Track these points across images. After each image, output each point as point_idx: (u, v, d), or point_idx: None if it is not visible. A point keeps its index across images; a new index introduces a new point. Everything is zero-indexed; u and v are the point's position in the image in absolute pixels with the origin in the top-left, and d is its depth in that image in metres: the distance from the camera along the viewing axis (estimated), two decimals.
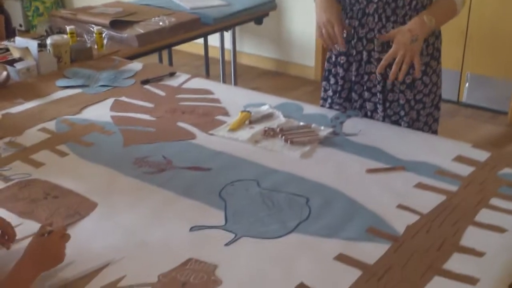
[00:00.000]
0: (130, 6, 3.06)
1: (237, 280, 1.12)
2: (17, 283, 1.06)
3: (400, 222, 1.28)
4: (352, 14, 1.77)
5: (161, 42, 2.76)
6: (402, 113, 1.80)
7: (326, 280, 1.12)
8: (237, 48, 4.08)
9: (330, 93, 1.91)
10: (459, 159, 1.55)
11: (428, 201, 1.36)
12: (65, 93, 2.05)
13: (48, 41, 2.30)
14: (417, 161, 1.53)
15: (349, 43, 1.79)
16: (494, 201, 1.36)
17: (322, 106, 1.95)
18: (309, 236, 1.25)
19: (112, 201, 1.40)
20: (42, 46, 2.27)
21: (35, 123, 1.81)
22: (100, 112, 1.88)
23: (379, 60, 1.72)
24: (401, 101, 1.79)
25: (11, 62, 2.20)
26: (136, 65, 2.31)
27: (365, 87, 1.83)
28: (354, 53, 1.80)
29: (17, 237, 1.22)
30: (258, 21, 3.53)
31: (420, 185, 1.43)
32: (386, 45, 1.74)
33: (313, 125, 1.73)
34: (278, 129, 1.70)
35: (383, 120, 1.82)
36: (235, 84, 3.92)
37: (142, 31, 2.66)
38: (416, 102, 1.80)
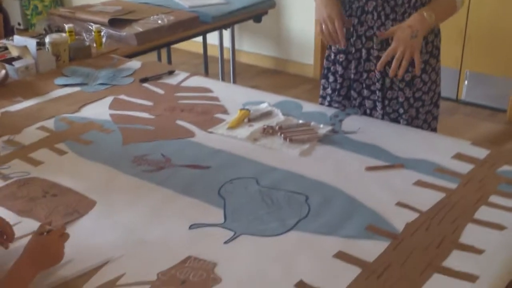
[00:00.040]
0: (128, 5, 3.05)
1: (237, 278, 1.12)
2: (16, 281, 1.05)
3: (400, 220, 1.28)
4: (351, 12, 1.76)
5: (160, 41, 2.75)
6: (401, 111, 1.80)
7: (326, 278, 1.11)
8: (236, 47, 4.07)
9: (329, 91, 1.91)
10: (459, 156, 1.55)
11: (428, 199, 1.36)
12: (63, 92, 2.04)
13: (47, 39, 2.29)
14: (416, 159, 1.53)
15: (348, 41, 1.78)
16: (493, 199, 1.36)
17: (321, 104, 1.95)
18: (309, 233, 1.25)
19: (111, 199, 1.39)
20: (40, 44, 2.27)
21: (33, 122, 1.80)
22: (99, 111, 1.88)
23: (378, 58, 1.72)
24: (400, 99, 1.79)
25: (10, 61, 2.20)
26: (135, 64, 2.31)
27: (364, 85, 1.83)
28: (353, 51, 1.80)
29: (16, 236, 1.22)
30: (257, 19, 3.52)
31: (419, 183, 1.43)
32: (385, 43, 1.73)
33: (312, 123, 1.73)
34: (277, 127, 1.70)
35: (382, 118, 1.82)
36: (234, 82, 3.92)
37: (141, 30, 2.65)
38: (415, 100, 1.80)
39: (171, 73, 2.19)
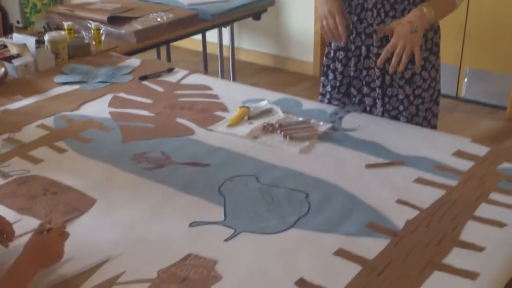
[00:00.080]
0: (128, 2, 3.04)
1: (237, 275, 1.12)
2: (16, 280, 1.05)
3: (400, 217, 1.28)
4: (351, 9, 1.76)
5: (159, 38, 2.75)
6: (401, 108, 1.80)
7: (326, 275, 1.11)
8: (236, 44, 4.06)
9: (328, 88, 1.91)
10: (459, 154, 1.55)
11: (428, 196, 1.36)
12: (63, 89, 2.04)
13: (46, 37, 2.29)
14: (416, 156, 1.53)
15: (348, 38, 1.78)
16: (494, 196, 1.36)
17: (321, 101, 1.95)
18: (309, 231, 1.25)
19: (111, 197, 1.39)
20: (39, 42, 2.27)
21: (33, 120, 1.80)
22: (98, 108, 1.88)
23: (378, 55, 1.72)
24: (400, 96, 1.79)
25: (9, 59, 2.19)
26: (134, 61, 2.31)
27: (364, 82, 1.82)
28: (353, 48, 1.80)
29: (16, 234, 1.22)
30: (256, 16, 3.52)
31: (419, 180, 1.43)
32: (385, 40, 1.73)
33: (312, 121, 1.73)
34: (277, 125, 1.69)
35: (382, 115, 1.82)
36: (234, 80, 3.91)
37: (140, 27, 2.65)
38: (415, 97, 1.79)
39: (170, 70, 2.19)
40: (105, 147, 1.63)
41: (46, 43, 2.28)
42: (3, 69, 2.10)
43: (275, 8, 4.03)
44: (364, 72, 1.81)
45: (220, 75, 3.92)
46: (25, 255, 1.10)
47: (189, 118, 1.79)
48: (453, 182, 1.41)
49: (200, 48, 3.99)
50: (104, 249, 1.20)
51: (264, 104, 1.84)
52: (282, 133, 1.65)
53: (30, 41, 2.22)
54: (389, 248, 1.19)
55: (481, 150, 1.56)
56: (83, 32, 2.61)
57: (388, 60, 1.63)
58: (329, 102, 1.91)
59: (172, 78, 2.13)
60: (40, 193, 1.41)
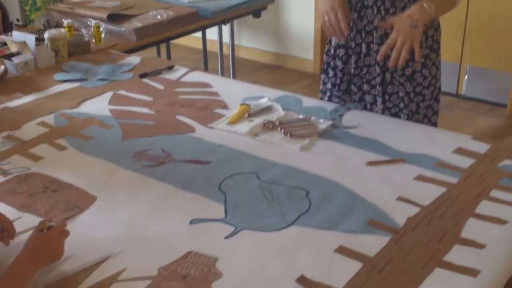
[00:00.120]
0: (127, 0, 3.04)
1: (238, 273, 1.12)
2: (16, 277, 1.05)
3: (401, 215, 1.28)
4: (351, 6, 1.76)
5: (159, 36, 2.74)
6: (402, 105, 1.80)
7: (327, 273, 1.11)
8: (236, 42, 4.06)
9: (329, 86, 1.91)
10: (459, 151, 1.54)
11: (429, 193, 1.35)
12: (63, 87, 2.04)
13: (46, 35, 2.28)
14: (417, 154, 1.53)
15: (348, 35, 1.78)
16: (495, 193, 1.35)
17: (321, 99, 1.94)
18: (310, 228, 1.25)
19: (111, 195, 1.39)
20: (39, 40, 2.26)
21: (33, 117, 1.80)
22: (98, 106, 1.88)
23: (378, 52, 1.71)
24: (401, 94, 1.79)
25: (9, 56, 2.19)
26: (134, 59, 2.30)
27: (364, 80, 1.82)
28: (353, 46, 1.80)
29: (16, 231, 1.21)
30: (256, 14, 3.51)
31: (420, 177, 1.43)
32: (385, 37, 1.73)
33: (312, 118, 1.72)
34: (277, 122, 1.69)
35: (383, 113, 1.82)
36: (234, 77, 3.91)
37: (140, 25, 2.64)
38: (416, 95, 1.79)
39: (170, 68, 2.18)
40: (105, 144, 1.63)
41: (46, 41, 2.27)
42: (3, 67, 2.10)
43: (275, 5, 4.02)
44: (365, 70, 1.80)
45: (220, 72, 3.91)
46: (26, 253, 1.10)
47: (189, 116, 1.79)
48: (453, 180, 1.41)
49: (200, 46, 3.98)
50: (105, 247, 1.20)
51: (264, 101, 1.84)
52: (283, 130, 1.65)
53: (30, 38, 2.21)
54: (389, 245, 1.19)
55: (481, 148, 1.56)
56: (83, 30, 2.61)
57: (389, 56, 1.63)
58: (330, 100, 1.91)
59: (172, 75, 2.12)
60: (40, 190, 1.41)
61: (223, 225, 1.27)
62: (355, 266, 1.13)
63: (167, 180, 1.44)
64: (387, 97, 1.81)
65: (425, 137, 1.63)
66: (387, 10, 1.71)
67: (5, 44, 2.33)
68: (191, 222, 1.28)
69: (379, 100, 1.81)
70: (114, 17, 2.69)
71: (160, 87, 2.03)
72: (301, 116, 1.74)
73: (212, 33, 3.89)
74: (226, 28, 3.71)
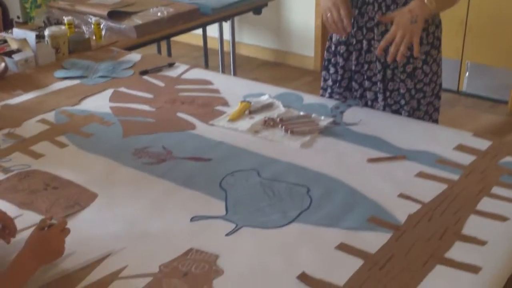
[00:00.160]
0: None
1: (239, 270, 1.12)
2: (17, 275, 1.05)
3: (402, 211, 1.28)
4: (352, 3, 1.75)
5: (160, 33, 2.74)
6: (403, 102, 1.80)
7: (328, 270, 1.11)
8: (236, 39, 4.05)
9: (330, 82, 1.90)
10: (460, 148, 1.54)
11: (430, 190, 1.35)
12: (63, 84, 2.04)
13: (46, 32, 2.28)
14: (418, 150, 1.53)
15: (349, 32, 1.77)
16: (496, 190, 1.35)
17: (322, 96, 1.94)
18: (310, 225, 1.25)
19: (112, 192, 1.39)
20: (40, 37, 2.26)
21: (34, 115, 1.80)
22: (99, 103, 1.88)
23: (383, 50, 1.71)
24: (402, 90, 1.78)
25: (9, 54, 2.19)
26: (135, 56, 2.30)
27: (365, 76, 1.82)
28: (354, 42, 1.79)
29: (17, 228, 1.21)
30: (257, 11, 3.50)
31: (421, 174, 1.43)
32: (386, 34, 1.72)
33: (313, 115, 1.72)
34: (278, 119, 1.69)
35: (384, 110, 1.81)
36: (234, 75, 3.90)
37: (140, 22, 2.64)
38: (417, 91, 1.79)
39: (171, 65, 2.18)
40: (106, 141, 1.63)
41: (46, 38, 2.27)
42: (3, 64, 2.10)
43: (276, 2, 4.02)
44: (366, 66, 1.80)
45: (220, 69, 3.91)
46: (27, 251, 1.10)
47: (190, 113, 1.79)
48: (455, 176, 1.41)
49: (201, 43, 3.98)
50: (106, 244, 1.20)
51: (265, 98, 1.84)
52: (283, 127, 1.65)
53: (30, 36, 2.21)
54: (391, 242, 1.19)
55: (483, 144, 1.55)
56: (83, 27, 2.60)
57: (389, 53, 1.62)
58: (330, 97, 1.90)
59: (173, 72, 2.12)
60: (41, 187, 1.41)
61: (224, 222, 1.26)
62: (356, 263, 1.13)
63: (167, 177, 1.44)
64: (388, 93, 1.80)
65: (426, 134, 1.63)
66: (388, 6, 1.71)
67: (5, 41, 2.32)
68: (192, 219, 1.28)
69: (380, 97, 1.81)
70: (115, 14, 2.69)
71: (161, 84, 2.03)
72: (302, 113, 1.74)
73: (212, 30, 3.88)
74: (226, 25, 3.70)
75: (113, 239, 1.21)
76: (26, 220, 1.26)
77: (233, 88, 1.95)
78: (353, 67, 1.83)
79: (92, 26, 2.52)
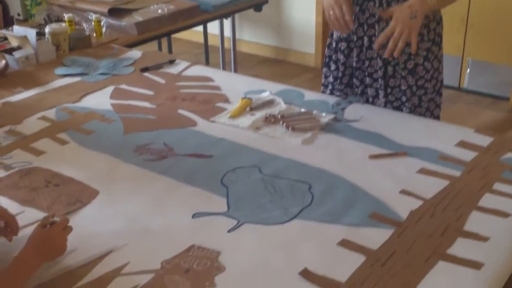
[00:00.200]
0: None
1: (240, 266, 1.12)
2: (19, 272, 1.05)
3: (404, 208, 1.28)
4: (353, 0, 1.75)
5: (160, 30, 2.74)
6: (404, 99, 1.79)
7: (330, 266, 1.11)
8: (237, 36, 4.05)
9: (331, 79, 1.90)
10: (462, 144, 1.54)
11: (431, 186, 1.35)
12: (64, 81, 2.04)
13: (47, 29, 2.28)
14: (419, 147, 1.53)
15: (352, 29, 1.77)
16: (498, 186, 1.35)
17: (323, 92, 1.94)
18: (312, 222, 1.25)
19: (114, 189, 1.39)
20: (40, 34, 2.26)
21: (35, 112, 1.80)
22: (100, 100, 1.87)
23: (383, 46, 1.70)
24: (403, 87, 1.78)
25: (10, 51, 2.19)
26: (136, 53, 2.30)
27: (366, 73, 1.82)
28: (355, 39, 1.79)
29: (19, 225, 1.21)
30: (258, 8, 3.50)
31: (423, 171, 1.42)
32: None
33: (314, 112, 1.72)
34: (279, 116, 1.69)
35: (385, 106, 1.81)
36: (235, 72, 3.90)
37: (141, 19, 2.64)
38: (418, 88, 1.79)
39: (172, 62, 2.18)
40: (107, 138, 1.63)
41: (46, 35, 2.27)
42: (4, 62, 2.09)
43: None
44: (367, 63, 1.80)
45: (221, 66, 3.91)
46: (29, 248, 1.10)
47: (191, 110, 1.78)
48: (456, 173, 1.41)
49: (202, 40, 3.98)
50: (108, 241, 1.20)
51: (266, 95, 1.83)
52: (284, 124, 1.65)
53: (31, 33, 2.21)
54: (393, 238, 1.18)
55: (484, 141, 1.55)
56: (83, 24, 2.60)
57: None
58: (331, 93, 1.90)
59: (174, 69, 2.12)
60: (42, 185, 1.40)
61: (226, 218, 1.26)
62: (358, 259, 1.13)
63: (169, 174, 1.43)
64: (389, 90, 1.80)
65: (428, 130, 1.63)
66: (389, 3, 1.70)
67: (6, 38, 2.32)
68: (194, 216, 1.28)
69: (381, 93, 1.81)
70: (115, 11, 2.68)
71: (162, 81, 2.02)
72: (303, 110, 1.73)
73: (213, 27, 3.88)
74: (227, 22, 3.70)
75: (114, 236, 1.21)
76: (27, 217, 1.26)
77: (234, 85, 1.95)
78: (354, 64, 1.82)
79: (93, 23, 2.51)
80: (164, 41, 3.90)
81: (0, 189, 1.39)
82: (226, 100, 1.84)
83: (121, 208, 1.31)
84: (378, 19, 1.73)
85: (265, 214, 1.27)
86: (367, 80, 1.82)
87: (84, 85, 2.00)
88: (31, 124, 1.72)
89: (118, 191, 1.38)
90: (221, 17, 3.29)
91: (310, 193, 1.34)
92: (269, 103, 1.79)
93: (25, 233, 1.18)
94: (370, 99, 1.84)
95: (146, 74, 2.08)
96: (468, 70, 3.81)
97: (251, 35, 4.65)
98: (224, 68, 3.91)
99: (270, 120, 1.68)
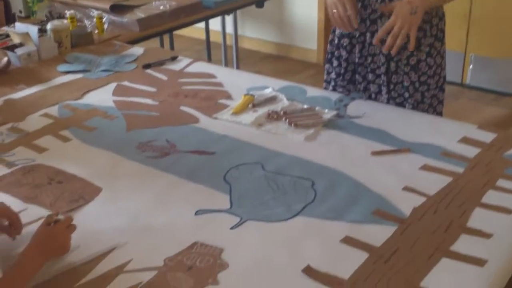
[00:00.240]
0: None
1: (243, 263, 1.12)
2: (23, 270, 1.06)
3: (407, 204, 1.27)
4: None
5: (162, 27, 2.73)
6: (407, 95, 1.79)
7: (333, 263, 1.11)
8: (239, 32, 4.04)
9: (333, 75, 1.90)
10: (465, 140, 1.53)
11: (434, 183, 1.35)
12: (66, 78, 2.03)
13: (48, 26, 2.28)
14: (422, 143, 1.52)
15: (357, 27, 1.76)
16: (501, 183, 1.35)
17: (326, 89, 1.93)
18: (315, 219, 1.24)
19: (116, 186, 1.39)
20: (42, 31, 2.26)
21: (37, 109, 1.80)
22: (102, 97, 1.87)
23: (383, 41, 1.70)
24: (406, 83, 1.78)
25: (12, 48, 2.19)
26: (138, 50, 2.29)
27: (369, 69, 1.81)
28: (357, 35, 1.79)
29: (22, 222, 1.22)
30: (260, 4, 3.49)
31: (426, 167, 1.42)
32: None
33: (317, 108, 1.72)
34: (281, 112, 1.68)
35: (388, 102, 1.81)
36: (237, 68, 3.90)
37: (142, 16, 2.63)
38: (421, 84, 1.78)
39: (174, 59, 2.17)
40: (109, 135, 1.63)
41: (48, 32, 2.27)
42: (6, 59, 2.09)
43: None
44: (369, 59, 1.79)
45: (223, 63, 3.90)
46: (33, 246, 1.10)
47: (194, 106, 1.78)
48: (459, 169, 1.40)
49: (203, 36, 3.97)
50: (111, 238, 1.20)
51: (268, 91, 1.83)
52: (287, 120, 1.64)
53: (33, 30, 2.21)
54: (396, 235, 1.18)
55: (487, 137, 1.55)
56: (85, 21, 2.60)
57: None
58: (334, 90, 1.90)
59: (176, 66, 2.12)
60: (45, 182, 1.40)
61: (229, 215, 1.26)
62: (361, 256, 1.12)
63: (171, 171, 1.43)
64: (392, 86, 1.80)
65: (431, 127, 1.62)
66: None
67: (8, 35, 2.32)
68: (197, 213, 1.27)
69: (383, 89, 1.80)
70: (117, 8, 2.68)
71: (164, 77, 2.02)
72: (305, 106, 1.73)
73: (215, 23, 3.87)
74: (229, 19, 3.69)
75: (117, 233, 1.21)
76: (30, 214, 1.26)
77: (236, 82, 1.95)
78: (357, 60, 1.82)
79: (94, 20, 2.51)
80: (166, 38, 3.88)
81: (3, 186, 1.39)
82: (229, 96, 1.84)
83: (124, 205, 1.31)
84: (380, 15, 1.73)
85: (268, 211, 1.27)
86: (370, 76, 1.81)
87: (86, 82, 2.00)
88: (34, 121, 1.72)
89: (121, 188, 1.38)
90: (223, 13, 3.29)
91: (313, 190, 1.34)
92: (271, 99, 1.78)
93: (29, 230, 1.18)
94: (373, 95, 1.83)
95: (148, 70, 2.08)
96: (471, 66, 3.80)
97: (253, 31, 4.65)
98: (226, 65, 3.91)
99: (273, 116, 1.67)
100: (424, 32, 1.72)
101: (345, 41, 1.82)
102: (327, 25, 4.16)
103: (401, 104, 1.81)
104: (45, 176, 1.43)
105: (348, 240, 1.17)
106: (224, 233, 1.21)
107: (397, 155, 1.48)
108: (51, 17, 2.53)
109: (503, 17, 3.56)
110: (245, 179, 1.39)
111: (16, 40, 2.25)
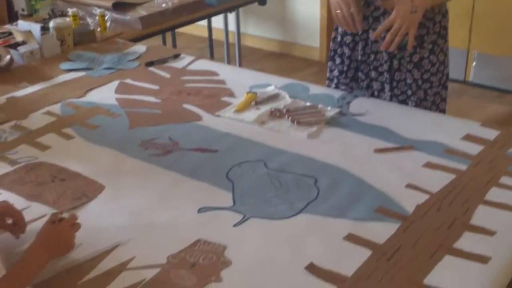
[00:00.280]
0: None
1: (246, 261, 1.12)
2: (28, 268, 1.06)
3: (410, 202, 1.27)
4: None
5: (165, 24, 2.73)
6: (410, 92, 1.78)
7: (336, 260, 1.11)
8: (241, 30, 4.04)
9: (336, 73, 1.89)
10: (468, 137, 1.53)
11: (438, 180, 1.35)
12: (69, 76, 2.04)
13: (51, 24, 2.28)
14: (425, 140, 1.52)
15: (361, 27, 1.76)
16: (504, 180, 1.34)
17: (328, 86, 1.93)
18: (318, 216, 1.24)
19: (119, 184, 1.39)
20: (45, 29, 2.26)
21: (40, 107, 1.80)
22: (105, 95, 1.87)
23: (385, 38, 1.70)
24: (408, 81, 1.77)
25: (15, 46, 2.19)
26: (140, 48, 2.29)
27: (371, 67, 1.81)
28: (360, 33, 1.78)
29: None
30: (262, 1, 3.49)
31: (429, 164, 1.42)
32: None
33: (319, 105, 1.72)
34: (284, 110, 1.68)
35: (390, 100, 1.80)
36: (240, 66, 3.90)
37: (145, 13, 2.63)
38: (424, 82, 1.78)
39: (176, 56, 2.17)
40: (112, 133, 1.63)
41: (51, 30, 2.27)
42: (8, 56, 2.10)
43: None
44: (372, 56, 1.79)
45: (226, 61, 3.90)
46: (37, 244, 1.10)
47: (196, 104, 1.78)
48: (463, 166, 1.40)
49: (206, 34, 3.97)
50: (114, 235, 1.20)
51: (271, 89, 1.83)
52: (290, 118, 1.64)
53: (35, 28, 2.21)
54: (399, 232, 1.18)
55: (490, 134, 1.54)
56: (88, 19, 2.60)
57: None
58: (337, 87, 1.89)
59: (178, 64, 2.12)
60: (48, 180, 1.41)
61: (232, 213, 1.26)
62: (364, 253, 1.12)
63: (174, 169, 1.43)
64: (394, 84, 1.79)
65: (434, 124, 1.62)
66: None
67: (10, 33, 2.32)
68: (199, 210, 1.28)
69: (386, 87, 1.80)
70: (119, 6, 2.68)
71: (166, 75, 2.02)
72: (308, 104, 1.73)
73: (217, 21, 3.87)
74: (231, 16, 3.69)
75: (120, 230, 1.21)
76: (33, 212, 1.27)
77: (239, 79, 1.95)
78: (359, 57, 1.82)
79: (97, 17, 2.51)
80: (168, 36, 3.89)
81: (6, 184, 1.39)
82: (231, 94, 1.84)
83: (127, 202, 1.31)
84: (383, 12, 1.72)
85: (271, 209, 1.27)
86: (373, 73, 1.81)
87: (89, 79, 2.00)
88: (36, 119, 1.72)
89: (123, 185, 1.39)
90: (225, 11, 3.28)
91: (316, 187, 1.34)
92: (274, 97, 1.78)
93: (32, 228, 1.18)
94: (376, 93, 1.83)
95: (151, 68, 2.08)
96: (474, 64, 3.79)
97: (255, 29, 4.64)
98: (228, 62, 3.91)
99: (275, 114, 1.67)
100: (427, 29, 1.72)
101: (348, 39, 1.81)
102: (330, 22, 4.15)
103: (404, 102, 1.80)
104: (48, 174, 1.43)
105: (351, 238, 1.17)
106: (227, 231, 1.21)
107: (400, 153, 1.48)
108: (53, 15, 2.53)
109: (506, 14, 3.55)
110: (248, 177, 1.39)
111: (18, 38, 2.26)
